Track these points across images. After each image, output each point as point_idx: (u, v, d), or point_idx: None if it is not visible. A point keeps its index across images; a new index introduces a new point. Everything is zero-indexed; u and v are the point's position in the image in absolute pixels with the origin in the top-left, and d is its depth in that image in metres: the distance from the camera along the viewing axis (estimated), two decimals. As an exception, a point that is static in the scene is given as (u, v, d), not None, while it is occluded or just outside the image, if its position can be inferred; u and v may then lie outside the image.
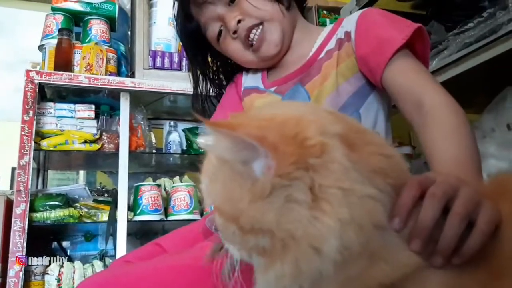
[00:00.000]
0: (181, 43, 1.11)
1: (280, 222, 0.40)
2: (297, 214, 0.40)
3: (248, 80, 1.04)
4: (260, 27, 0.93)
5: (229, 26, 0.94)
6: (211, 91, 1.10)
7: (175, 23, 1.06)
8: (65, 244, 2.21)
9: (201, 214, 2.10)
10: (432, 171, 0.62)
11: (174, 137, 2.30)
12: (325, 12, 2.63)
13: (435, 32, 1.38)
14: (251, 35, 0.94)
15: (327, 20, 2.59)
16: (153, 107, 2.36)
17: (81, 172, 3.29)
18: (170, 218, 2.07)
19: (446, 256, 0.43)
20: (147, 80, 2.06)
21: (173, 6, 1.05)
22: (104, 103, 2.15)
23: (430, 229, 0.43)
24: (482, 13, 1.21)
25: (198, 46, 1.06)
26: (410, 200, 0.43)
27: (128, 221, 1.93)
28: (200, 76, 1.09)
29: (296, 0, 0.99)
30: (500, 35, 1.06)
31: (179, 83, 2.03)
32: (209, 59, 1.11)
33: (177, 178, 2.30)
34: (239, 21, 0.93)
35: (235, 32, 0.94)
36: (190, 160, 2.39)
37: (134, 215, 2.01)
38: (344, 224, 0.40)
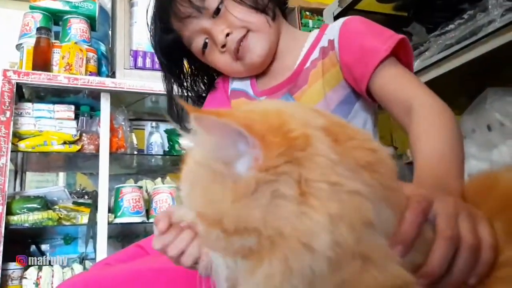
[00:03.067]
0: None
1: (267, 219, 0.39)
2: (285, 210, 0.38)
3: (236, 82, 1.02)
4: (247, 37, 0.91)
5: (217, 40, 0.91)
6: (188, 100, 1.08)
7: (149, 34, 1.02)
8: (44, 247, 2.17)
9: (183, 216, 2.08)
10: (415, 167, 0.62)
11: (156, 138, 2.28)
12: (307, 13, 2.63)
13: (417, 33, 1.39)
14: (241, 48, 0.91)
15: (310, 21, 2.59)
16: (134, 108, 2.32)
17: (61, 174, 3.23)
18: (152, 220, 2.04)
19: (431, 280, 0.42)
20: (128, 80, 2.03)
21: (147, 15, 1.02)
22: (84, 104, 2.11)
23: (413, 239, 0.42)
24: (463, 15, 1.22)
25: (174, 57, 1.02)
26: (415, 229, 0.42)
27: (109, 223, 1.90)
28: (175, 87, 1.06)
29: (280, 8, 0.98)
30: (480, 36, 1.07)
31: (161, 83, 1.99)
32: (186, 69, 1.08)
33: (159, 179, 2.28)
34: (227, 35, 0.90)
35: (223, 46, 0.91)
36: (172, 162, 2.37)
37: (115, 217, 1.98)
38: (334, 219, 0.38)
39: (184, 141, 2.32)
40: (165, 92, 1.04)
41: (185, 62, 1.06)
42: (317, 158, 0.39)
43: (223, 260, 0.43)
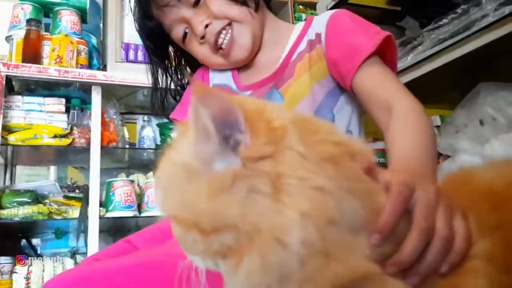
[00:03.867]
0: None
1: (245, 214, 0.38)
2: (260, 205, 0.38)
3: (217, 77, 1.01)
4: (229, 30, 0.90)
5: (196, 31, 0.90)
6: (171, 85, 1.07)
7: (133, 18, 1.02)
8: (34, 241, 2.15)
9: (175, 210, 2.07)
10: (389, 166, 0.62)
11: (147, 132, 2.27)
12: (301, 7, 2.62)
13: (410, 28, 1.39)
14: (220, 40, 0.91)
15: (303, 15, 2.58)
16: (126, 102, 2.30)
17: (52, 168, 3.21)
18: (144, 214, 2.04)
19: (401, 269, 0.42)
20: (120, 73, 2.01)
21: (129, 1, 1.02)
22: (74, 97, 2.09)
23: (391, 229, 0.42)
24: (456, 9, 1.22)
25: (158, 43, 1.02)
26: (395, 219, 0.42)
27: (100, 217, 1.88)
28: (160, 72, 1.05)
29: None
30: (474, 31, 1.07)
31: (153, 77, 1.99)
32: (171, 54, 1.07)
33: (150, 173, 2.26)
34: (206, 26, 0.89)
35: (202, 37, 0.90)
36: (164, 156, 2.35)
37: (107, 212, 1.97)
38: (303, 216, 0.38)
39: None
40: (149, 79, 1.04)
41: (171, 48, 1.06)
42: (289, 151, 0.39)
43: (203, 263, 0.43)
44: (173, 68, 1.06)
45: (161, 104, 1.05)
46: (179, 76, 1.07)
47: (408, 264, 0.42)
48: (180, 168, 0.41)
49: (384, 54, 0.83)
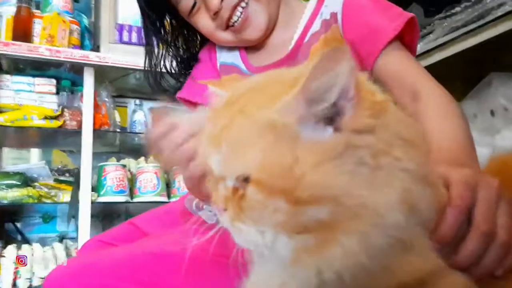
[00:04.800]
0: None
1: (352, 186, 0.35)
2: (366, 180, 0.35)
3: (224, 56, 0.96)
4: (244, 5, 0.85)
5: (210, 5, 0.84)
6: (166, 63, 1.00)
7: None
8: (20, 225, 2.10)
9: (168, 197, 2.04)
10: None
11: (139, 116, 2.23)
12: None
13: (415, 15, 1.37)
14: (234, 17, 0.85)
15: None
16: (117, 85, 2.24)
17: (34, 151, 3.12)
18: (135, 199, 2.00)
19: (463, 268, 0.41)
20: (113, 55, 1.95)
21: None
22: (64, 78, 2.03)
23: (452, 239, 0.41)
24: (468, -3, 1.19)
25: (157, 12, 0.95)
26: (455, 231, 0.41)
27: (92, 202, 1.84)
28: (156, 48, 0.98)
29: None
30: (489, 20, 1.05)
31: (148, 59, 1.93)
32: (169, 26, 0.99)
33: (142, 159, 2.23)
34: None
35: (216, 13, 0.85)
36: (156, 141, 2.31)
37: (98, 196, 1.92)
38: (398, 199, 0.36)
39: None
40: (148, 58, 0.97)
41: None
42: (389, 129, 0.37)
43: (264, 238, 0.38)
44: (170, 38, 0.99)
45: (158, 83, 1.00)
46: (177, 46, 1.00)
47: (465, 267, 0.41)
48: (264, 127, 0.37)
49: (404, 38, 0.80)
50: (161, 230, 0.95)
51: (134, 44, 2.03)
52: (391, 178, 0.36)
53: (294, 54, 0.88)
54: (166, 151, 0.59)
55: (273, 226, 0.37)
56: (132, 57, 1.95)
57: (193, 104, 0.93)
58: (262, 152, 0.37)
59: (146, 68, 0.99)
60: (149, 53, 0.98)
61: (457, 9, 1.18)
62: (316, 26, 0.87)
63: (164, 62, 1.00)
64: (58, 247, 1.83)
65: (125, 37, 2.02)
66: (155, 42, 0.98)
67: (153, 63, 0.98)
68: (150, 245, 0.83)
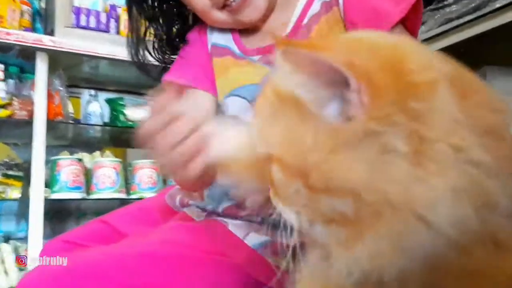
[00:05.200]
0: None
1: (372, 180, 0.31)
2: (396, 170, 0.31)
3: (215, 37, 0.89)
4: None
5: None
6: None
7: None
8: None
9: (128, 193, 1.93)
10: None
11: (94, 108, 2.09)
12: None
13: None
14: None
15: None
16: (69, 73, 2.09)
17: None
18: (92, 196, 1.86)
19: None
20: (69, 39, 1.80)
21: None
22: (12, 64, 1.87)
23: None
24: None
25: None
26: None
27: (46, 199, 1.69)
28: (140, 17, 0.90)
29: None
30: (486, 12, 1.05)
31: (107, 46, 1.81)
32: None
33: (97, 153, 2.09)
34: None
35: None
36: (112, 134, 2.18)
37: (52, 193, 1.77)
38: (457, 193, 0.31)
39: (130, 112, 2.15)
40: (130, 31, 0.90)
41: None
42: (440, 114, 0.32)
43: (297, 218, 0.35)
44: (154, 14, 0.91)
45: (138, 55, 0.92)
46: (165, 21, 0.93)
47: None
48: (291, 102, 0.34)
49: (406, 23, 0.77)
50: (136, 227, 0.86)
51: (92, 29, 1.89)
52: (446, 168, 0.31)
53: (292, 36, 0.83)
54: (164, 148, 0.52)
55: (297, 206, 0.35)
56: (89, 42, 1.83)
57: (181, 88, 0.85)
58: (284, 128, 0.35)
59: (130, 43, 0.91)
60: (133, 20, 0.90)
61: (449, 0, 1.18)
62: (316, 7, 0.83)
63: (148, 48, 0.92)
64: (5, 248, 1.67)
65: (83, 21, 1.88)
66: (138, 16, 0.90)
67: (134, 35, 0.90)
68: (138, 244, 0.75)
